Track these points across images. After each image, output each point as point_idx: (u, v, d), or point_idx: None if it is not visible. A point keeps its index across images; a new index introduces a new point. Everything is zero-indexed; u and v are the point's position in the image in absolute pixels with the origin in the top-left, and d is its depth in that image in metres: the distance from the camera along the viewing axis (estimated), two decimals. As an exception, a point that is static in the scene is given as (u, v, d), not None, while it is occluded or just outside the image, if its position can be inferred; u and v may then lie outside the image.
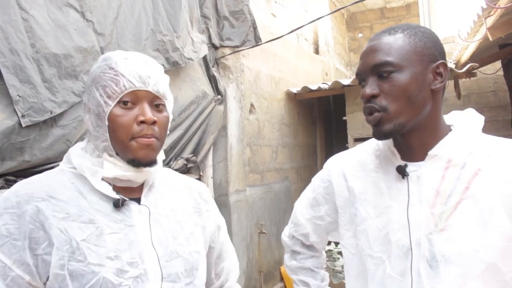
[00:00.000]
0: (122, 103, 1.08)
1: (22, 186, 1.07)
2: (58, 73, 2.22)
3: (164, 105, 1.15)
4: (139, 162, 1.10)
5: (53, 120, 2.17)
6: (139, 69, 1.09)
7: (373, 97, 1.10)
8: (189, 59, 3.26)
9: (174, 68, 3.08)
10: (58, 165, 2.15)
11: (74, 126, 2.26)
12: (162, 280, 1.10)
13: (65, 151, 2.18)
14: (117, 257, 1.04)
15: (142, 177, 1.15)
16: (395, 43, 1.10)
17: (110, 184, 1.12)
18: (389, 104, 1.08)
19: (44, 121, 2.07)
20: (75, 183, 1.10)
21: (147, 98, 1.10)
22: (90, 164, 1.11)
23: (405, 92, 1.08)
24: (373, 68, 1.11)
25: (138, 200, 1.15)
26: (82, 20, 2.44)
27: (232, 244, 1.46)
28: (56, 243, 1.00)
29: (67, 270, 1.00)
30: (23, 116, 1.99)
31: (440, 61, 1.12)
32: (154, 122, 1.09)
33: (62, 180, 1.10)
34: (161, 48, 3.00)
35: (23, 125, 1.99)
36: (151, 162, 1.12)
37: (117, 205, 1.09)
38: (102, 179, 1.11)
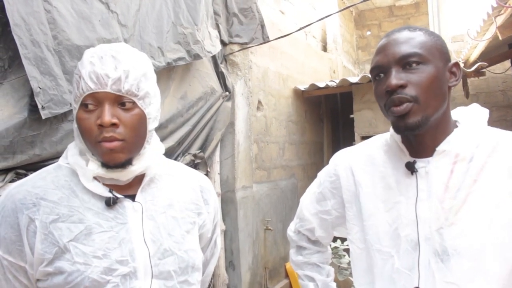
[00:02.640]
0: (84, 106, 1.06)
1: (16, 189, 1.08)
2: None
3: (133, 102, 1.08)
4: (108, 165, 1.08)
5: (63, 115, 2.18)
6: (98, 69, 1.04)
7: (401, 87, 1.09)
8: (208, 52, 3.27)
9: (184, 63, 3.09)
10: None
11: (84, 121, 2.29)
12: (152, 277, 1.10)
13: (75, 146, 2.22)
14: (105, 255, 1.05)
15: (126, 176, 1.13)
16: (418, 38, 1.12)
17: (101, 182, 1.12)
18: (419, 95, 1.08)
19: (55, 116, 2.08)
20: (69, 180, 1.11)
21: (108, 99, 1.05)
22: (83, 163, 1.11)
23: (432, 84, 1.09)
24: (400, 59, 1.10)
25: (135, 197, 1.15)
26: (107, 11, 2.43)
27: (219, 248, 1.45)
28: (44, 247, 1.03)
29: (55, 268, 1.02)
30: (43, 108, 1.99)
31: (455, 61, 1.15)
32: (114, 124, 1.04)
33: (56, 179, 1.11)
34: (182, 40, 3.01)
35: (43, 117, 2.00)
36: (123, 164, 1.09)
37: (109, 203, 1.09)
38: (94, 178, 1.11)
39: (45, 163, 2.10)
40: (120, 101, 1.06)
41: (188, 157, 3.28)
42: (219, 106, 3.63)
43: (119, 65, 1.06)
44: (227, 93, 3.75)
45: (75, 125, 1.10)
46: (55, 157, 2.15)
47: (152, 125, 1.14)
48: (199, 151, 3.41)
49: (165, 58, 2.84)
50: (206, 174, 3.59)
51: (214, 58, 3.64)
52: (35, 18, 2.01)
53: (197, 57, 3.12)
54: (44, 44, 2.05)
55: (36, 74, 1.99)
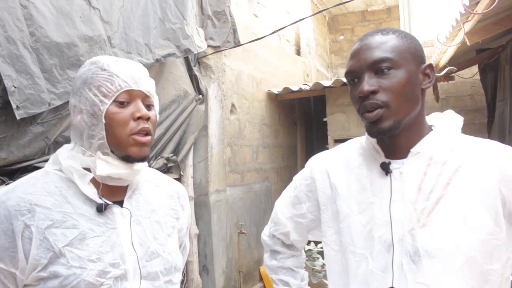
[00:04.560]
0: (118, 102, 1.13)
1: (7, 195, 1.10)
2: (60, 63, 2.15)
3: (153, 105, 1.21)
4: (134, 158, 1.16)
5: (33, 117, 2.11)
6: (131, 70, 1.16)
7: (372, 93, 1.10)
8: (199, 47, 3.24)
9: (175, 59, 3.06)
10: (35, 163, 2.12)
11: (54, 123, 2.22)
12: (141, 278, 1.16)
13: (43, 149, 2.17)
14: (99, 259, 1.10)
15: (133, 175, 1.20)
16: (391, 42, 1.13)
17: (95, 187, 1.16)
18: (390, 100, 1.09)
19: (23, 118, 2.02)
20: (59, 187, 1.14)
21: (140, 97, 1.16)
22: (80, 166, 1.15)
23: (403, 89, 1.10)
24: (372, 64, 1.11)
25: (121, 203, 1.20)
26: (88, 7, 2.38)
27: (187, 250, 1.52)
28: (40, 252, 1.06)
29: (50, 272, 1.05)
30: (18, 108, 1.92)
31: (429, 63, 1.17)
32: (148, 118, 1.15)
33: (46, 185, 1.13)
34: (171, 36, 2.97)
35: (18, 117, 1.93)
36: (144, 158, 1.19)
37: (100, 209, 1.14)
38: (90, 181, 1.16)
39: (11, 167, 2.04)
40: (145, 102, 1.18)
41: (161, 161, 3.24)
42: (192, 109, 3.61)
43: (143, 71, 1.20)
44: (200, 96, 3.73)
45: (98, 121, 1.13)
46: (22, 161, 2.09)
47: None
48: (172, 154, 3.38)
49: (154, 55, 2.81)
50: (179, 178, 3.56)
51: (187, 60, 3.62)
52: (10, 14, 1.94)
53: (188, 52, 3.09)
54: (20, 41, 1.98)
55: (11, 72, 1.92)
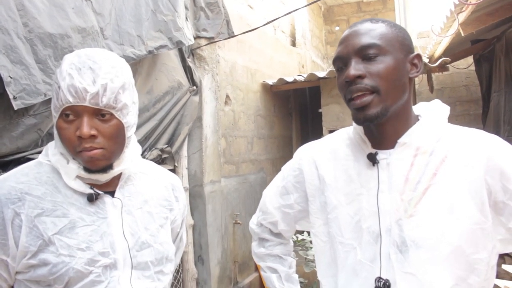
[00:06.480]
0: (64, 115, 1.10)
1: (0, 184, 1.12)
2: (54, 54, 2.14)
3: (111, 114, 1.11)
4: (90, 170, 1.14)
5: (25, 109, 2.11)
6: (76, 82, 1.06)
7: (359, 78, 1.10)
8: (190, 39, 3.24)
9: (167, 51, 3.05)
10: (28, 155, 2.12)
11: (46, 115, 2.21)
12: (132, 268, 1.17)
13: (36, 141, 2.16)
14: (88, 247, 1.11)
15: (106, 177, 1.19)
16: (379, 29, 1.14)
17: (81, 180, 1.17)
18: (379, 85, 1.09)
19: (15, 110, 2.01)
20: (51, 177, 1.16)
21: (87, 111, 1.08)
22: (64, 162, 1.16)
23: (391, 75, 1.10)
24: (359, 50, 1.12)
25: (113, 193, 1.22)
26: None
27: (184, 242, 1.52)
28: (29, 240, 1.08)
29: (39, 260, 1.07)
30: (15, 98, 1.92)
31: (417, 53, 1.17)
32: (93, 136, 1.09)
33: (38, 175, 1.15)
34: (164, 28, 2.97)
35: (15, 108, 1.93)
36: (104, 169, 1.16)
37: (91, 199, 1.15)
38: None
39: (4, 159, 2.04)
40: (98, 112, 1.10)
41: (155, 152, 3.25)
42: (186, 100, 3.61)
43: (97, 78, 1.08)
44: (194, 87, 3.72)
45: (55, 130, 1.14)
46: (15, 152, 2.09)
47: (130, 131, 1.19)
48: (166, 145, 3.38)
49: (146, 47, 2.80)
50: (174, 169, 3.57)
51: (181, 52, 3.61)
52: (2, 5, 1.93)
53: (180, 44, 3.09)
54: (14, 32, 1.96)
55: (6, 63, 1.92)
